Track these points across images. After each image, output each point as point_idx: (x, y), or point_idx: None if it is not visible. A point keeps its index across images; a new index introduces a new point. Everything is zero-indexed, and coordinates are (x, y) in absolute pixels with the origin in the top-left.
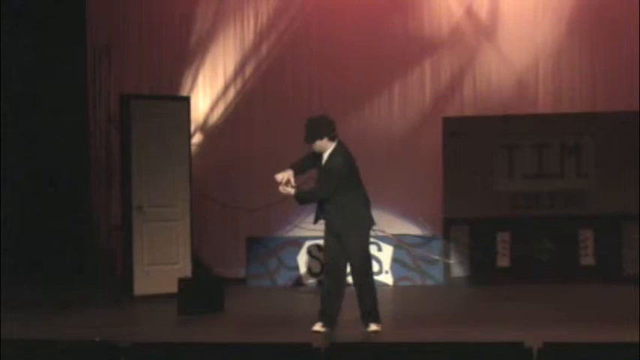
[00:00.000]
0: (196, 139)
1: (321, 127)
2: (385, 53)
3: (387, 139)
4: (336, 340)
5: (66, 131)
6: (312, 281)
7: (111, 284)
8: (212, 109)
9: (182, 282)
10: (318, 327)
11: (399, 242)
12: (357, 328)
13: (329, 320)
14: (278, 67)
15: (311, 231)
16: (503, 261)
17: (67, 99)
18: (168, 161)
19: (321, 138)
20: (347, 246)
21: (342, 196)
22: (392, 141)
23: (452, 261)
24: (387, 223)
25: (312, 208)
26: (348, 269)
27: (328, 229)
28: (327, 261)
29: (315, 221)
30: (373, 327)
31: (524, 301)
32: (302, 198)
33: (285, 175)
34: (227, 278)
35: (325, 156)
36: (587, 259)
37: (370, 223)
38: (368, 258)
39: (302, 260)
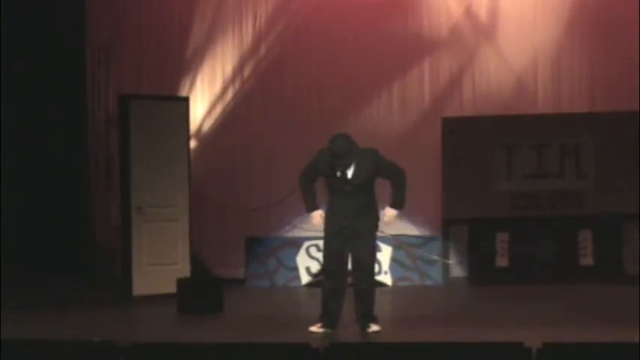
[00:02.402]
0: (192, 144)
1: (352, 145)
2: (385, 53)
3: (387, 139)
4: (336, 340)
5: (65, 131)
6: (310, 281)
7: (110, 284)
8: (211, 109)
9: (181, 282)
10: (317, 327)
11: (398, 242)
12: (356, 328)
13: (331, 322)
14: (277, 67)
15: (310, 231)
16: (502, 261)
17: (67, 99)
18: (168, 161)
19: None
20: (362, 247)
21: (370, 195)
22: (391, 141)
23: (451, 261)
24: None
25: None
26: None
27: (340, 230)
28: (330, 263)
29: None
30: (374, 327)
31: (523, 301)
32: (403, 201)
33: None
34: (226, 278)
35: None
36: (587, 259)
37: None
38: (375, 260)
39: (301, 260)
